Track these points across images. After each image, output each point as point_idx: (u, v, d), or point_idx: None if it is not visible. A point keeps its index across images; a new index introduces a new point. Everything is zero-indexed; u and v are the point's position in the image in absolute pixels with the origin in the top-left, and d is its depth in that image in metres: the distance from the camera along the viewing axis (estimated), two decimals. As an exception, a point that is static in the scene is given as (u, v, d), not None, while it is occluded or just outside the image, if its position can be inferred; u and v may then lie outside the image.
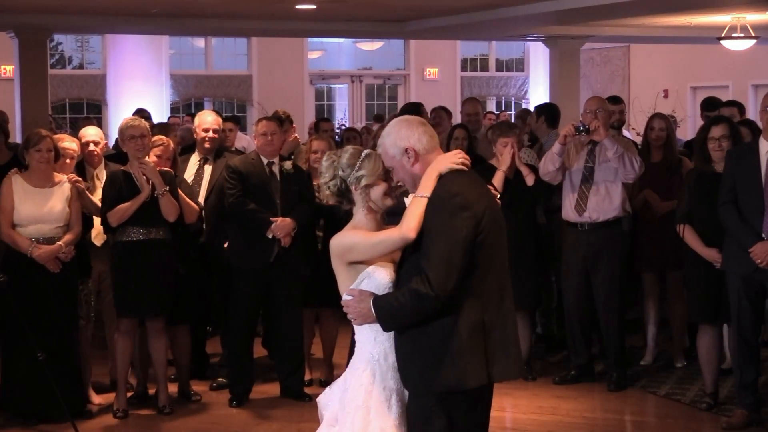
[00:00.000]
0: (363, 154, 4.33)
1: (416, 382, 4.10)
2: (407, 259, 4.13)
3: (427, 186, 4.10)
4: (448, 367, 4.03)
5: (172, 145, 7.37)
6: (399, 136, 4.19)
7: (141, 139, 6.99)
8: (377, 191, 4.30)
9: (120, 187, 6.93)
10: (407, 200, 4.29)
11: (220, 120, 8.04)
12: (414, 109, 10.04)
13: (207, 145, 7.83)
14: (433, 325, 4.04)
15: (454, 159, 4.15)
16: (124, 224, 6.91)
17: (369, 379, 4.21)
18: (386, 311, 4.08)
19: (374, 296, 4.12)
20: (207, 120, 7.88)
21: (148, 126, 7.22)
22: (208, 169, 7.82)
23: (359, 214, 4.33)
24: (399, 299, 4.05)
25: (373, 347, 4.23)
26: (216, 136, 7.87)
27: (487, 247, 4.07)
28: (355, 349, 4.31)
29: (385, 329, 4.15)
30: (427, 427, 4.09)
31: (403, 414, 4.19)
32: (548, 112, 9.79)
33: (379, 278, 4.18)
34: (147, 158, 7.03)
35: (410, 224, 4.08)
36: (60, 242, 6.82)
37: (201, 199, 7.66)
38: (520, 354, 4.23)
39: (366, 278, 4.21)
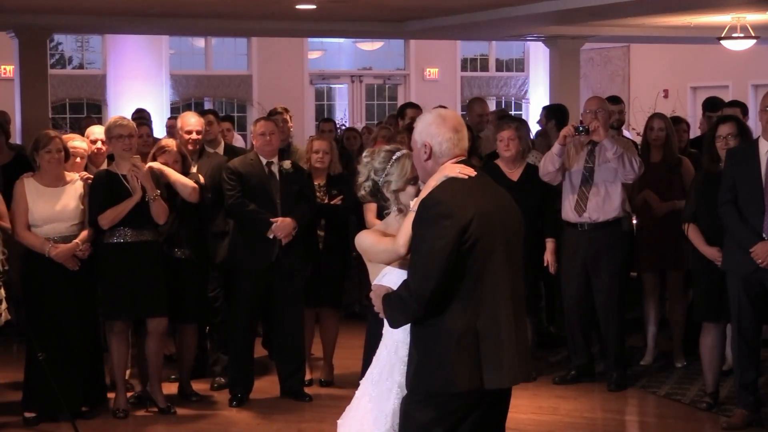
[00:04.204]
0: (393, 157, 4.43)
1: (408, 379, 4.17)
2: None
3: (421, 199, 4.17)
4: (435, 369, 4.05)
5: (174, 147, 7.34)
6: (427, 130, 4.22)
7: (128, 139, 7.00)
8: (405, 195, 4.42)
9: (107, 189, 6.93)
10: (394, 212, 4.42)
11: (203, 121, 7.99)
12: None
13: (190, 147, 7.81)
14: (425, 327, 4.08)
15: (455, 168, 4.14)
16: (113, 225, 6.91)
17: (379, 369, 4.34)
18: (386, 308, 4.18)
19: (386, 292, 4.21)
20: (190, 122, 7.84)
21: (135, 125, 7.23)
22: (193, 170, 7.78)
23: (391, 214, 4.47)
24: (392, 298, 4.16)
25: (389, 338, 4.35)
26: (199, 137, 7.83)
27: (478, 253, 4.04)
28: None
29: (390, 325, 4.25)
30: (406, 422, 4.16)
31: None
32: (558, 115, 9.74)
33: (395, 277, 4.25)
34: (140, 161, 7.03)
35: (401, 239, 4.18)
36: (77, 240, 6.84)
37: None
38: (519, 361, 4.14)
39: (387, 274, 4.31)
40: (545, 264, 7.79)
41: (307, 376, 7.68)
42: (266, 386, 7.69)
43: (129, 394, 7.30)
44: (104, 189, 6.93)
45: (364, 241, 4.38)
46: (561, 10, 11.44)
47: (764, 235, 6.45)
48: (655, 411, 7.37)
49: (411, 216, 4.15)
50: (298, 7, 11.87)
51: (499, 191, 4.31)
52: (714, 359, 7.10)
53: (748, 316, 6.61)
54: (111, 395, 7.25)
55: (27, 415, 6.92)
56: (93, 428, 6.87)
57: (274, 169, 7.37)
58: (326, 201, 7.61)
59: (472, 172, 4.15)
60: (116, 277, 6.96)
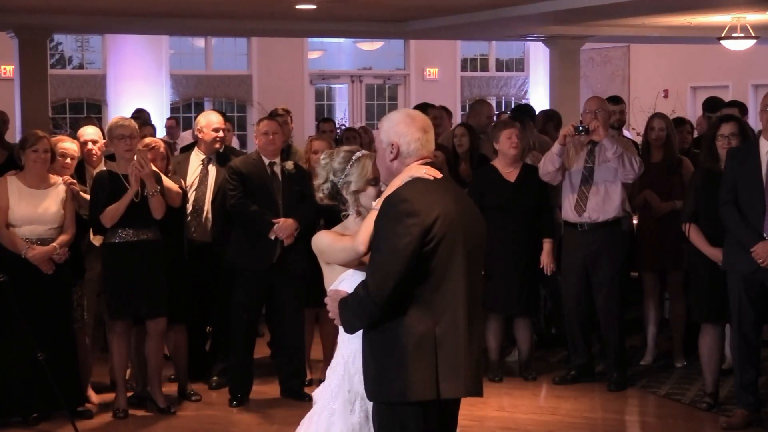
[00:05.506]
0: (353, 158, 4.33)
1: (368, 389, 4.06)
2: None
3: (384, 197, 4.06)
4: (392, 377, 3.95)
5: (162, 146, 7.38)
6: (394, 129, 4.12)
7: (130, 140, 6.99)
8: (366, 197, 4.32)
9: (108, 188, 6.91)
10: (352, 214, 4.33)
11: (222, 118, 8.05)
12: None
13: (218, 146, 7.84)
14: (382, 332, 3.97)
15: (421, 169, 4.05)
16: (114, 225, 6.91)
17: (338, 380, 4.25)
18: (342, 312, 4.06)
19: (342, 297, 4.11)
20: (215, 120, 7.87)
21: (136, 126, 7.23)
22: (212, 169, 7.81)
23: (350, 216, 4.37)
24: (348, 301, 4.03)
25: (346, 348, 4.27)
26: (224, 135, 7.89)
27: (440, 256, 3.94)
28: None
29: (345, 330, 4.13)
30: None
31: (366, 419, 4.19)
32: (523, 115, 9.73)
33: (354, 282, 4.16)
34: (142, 161, 7.00)
35: (361, 237, 4.07)
36: (54, 243, 6.82)
37: (208, 199, 7.68)
38: (476, 369, 4.07)
39: (345, 279, 4.23)
40: (541, 265, 7.77)
41: (307, 376, 7.69)
42: (266, 386, 7.69)
43: (129, 394, 7.30)
44: (106, 189, 6.92)
45: (322, 241, 4.28)
46: (561, 10, 11.44)
47: (765, 235, 6.44)
48: (655, 411, 7.37)
49: (373, 214, 4.04)
50: (298, 7, 11.87)
51: (463, 196, 4.23)
52: (713, 359, 7.10)
53: (748, 316, 6.61)
54: (111, 395, 7.26)
55: None
56: (93, 428, 6.87)
57: (277, 169, 7.37)
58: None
59: (438, 174, 4.06)
60: (118, 276, 6.95)
